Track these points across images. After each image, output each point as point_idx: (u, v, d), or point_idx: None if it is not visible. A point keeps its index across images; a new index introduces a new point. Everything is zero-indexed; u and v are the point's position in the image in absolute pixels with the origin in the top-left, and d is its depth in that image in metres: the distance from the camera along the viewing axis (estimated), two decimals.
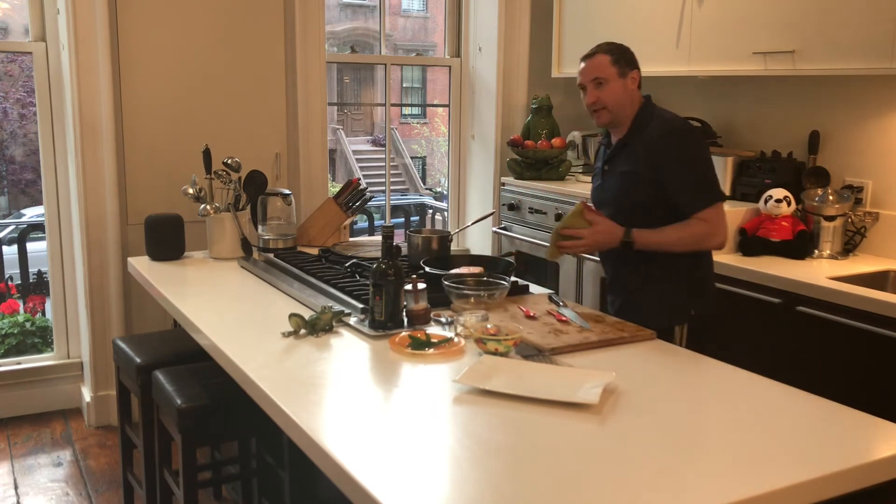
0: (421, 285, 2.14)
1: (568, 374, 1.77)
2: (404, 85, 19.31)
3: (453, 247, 3.34)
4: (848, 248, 3.07)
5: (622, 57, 2.42)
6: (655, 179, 2.33)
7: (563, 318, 2.16)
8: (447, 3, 4.59)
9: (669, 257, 2.35)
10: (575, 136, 4.29)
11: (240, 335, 2.09)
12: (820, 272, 2.79)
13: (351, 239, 3.26)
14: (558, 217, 3.82)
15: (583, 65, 2.46)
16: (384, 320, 2.08)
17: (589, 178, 4.05)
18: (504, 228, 4.22)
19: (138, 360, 2.60)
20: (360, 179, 3.41)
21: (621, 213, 2.41)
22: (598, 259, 3.58)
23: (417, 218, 9.41)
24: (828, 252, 3.00)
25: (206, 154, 3.04)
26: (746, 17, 3.14)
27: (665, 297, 2.40)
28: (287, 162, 3.96)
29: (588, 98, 2.43)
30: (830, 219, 3.00)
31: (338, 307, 2.20)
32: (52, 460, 3.40)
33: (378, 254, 2.13)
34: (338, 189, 3.42)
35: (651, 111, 2.42)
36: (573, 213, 2.38)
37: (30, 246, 5.67)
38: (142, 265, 2.90)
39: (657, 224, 2.32)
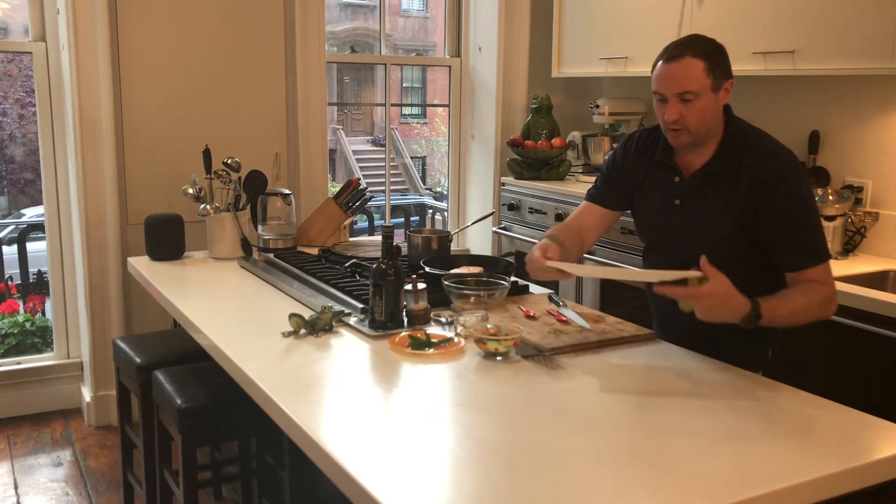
0: (421, 285, 2.13)
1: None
2: (404, 85, 19.32)
3: (453, 247, 3.34)
4: (848, 248, 3.07)
5: (719, 63, 1.90)
6: (752, 225, 1.91)
7: (563, 318, 2.16)
8: (447, 3, 4.59)
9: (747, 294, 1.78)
10: (575, 136, 4.29)
11: (240, 335, 2.09)
12: None
13: (351, 239, 3.26)
14: (559, 217, 3.82)
15: (663, 67, 1.91)
16: (384, 320, 2.08)
17: (589, 179, 4.07)
18: (504, 228, 4.23)
19: (138, 360, 2.60)
20: (360, 179, 3.41)
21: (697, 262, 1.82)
22: (599, 259, 3.59)
23: (417, 218, 9.41)
24: None
25: (206, 154, 3.04)
26: (746, 17, 3.14)
27: (739, 345, 1.96)
28: (287, 162, 3.96)
29: (669, 115, 1.90)
30: (830, 219, 3.00)
31: (338, 307, 2.20)
32: (52, 460, 3.40)
33: (378, 254, 2.13)
34: (338, 189, 3.42)
35: (741, 130, 1.98)
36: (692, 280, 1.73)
37: (30, 246, 5.68)
38: (142, 265, 2.90)
39: (742, 278, 1.75)
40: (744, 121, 2.05)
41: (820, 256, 1.88)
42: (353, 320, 2.15)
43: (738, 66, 3.17)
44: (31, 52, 3.63)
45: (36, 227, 6.46)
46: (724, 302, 1.71)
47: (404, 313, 2.12)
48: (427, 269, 2.43)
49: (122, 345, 2.76)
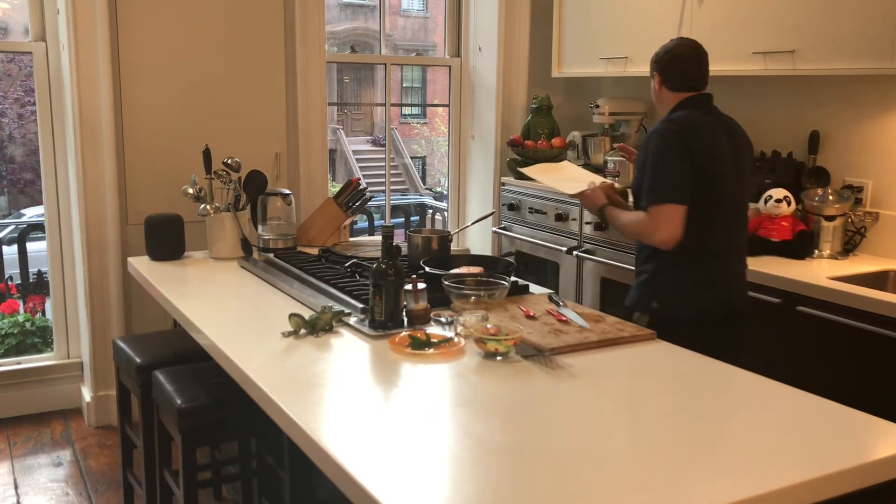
0: (421, 285, 2.14)
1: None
2: (404, 85, 19.32)
3: (453, 247, 3.34)
4: (848, 248, 3.07)
5: (652, 60, 2.55)
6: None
7: (563, 318, 2.16)
8: (447, 3, 4.59)
9: (642, 247, 2.53)
10: (575, 136, 4.28)
11: (240, 335, 2.09)
12: (820, 272, 2.79)
13: (351, 239, 3.26)
14: (559, 217, 3.82)
15: None
16: (384, 320, 2.08)
17: None
18: (504, 228, 4.23)
19: (138, 360, 2.60)
20: (360, 179, 3.41)
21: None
22: (598, 259, 3.59)
23: (417, 218, 9.40)
24: (828, 252, 3.00)
25: (206, 154, 3.04)
26: (746, 17, 3.14)
27: (637, 283, 2.55)
28: (287, 162, 3.96)
29: None
30: (830, 219, 3.00)
31: (338, 307, 2.20)
32: (52, 460, 3.40)
33: (378, 254, 2.13)
34: (338, 189, 3.42)
35: (677, 111, 2.47)
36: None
37: (30, 246, 5.67)
38: (142, 265, 2.90)
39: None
40: (694, 108, 2.46)
41: (650, 199, 2.37)
42: (353, 320, 2.15)
43: (738, 66, 3.19)
44: (31, 52, 3.63)
45: (36, 227, 6.45)
46: (590, 200, 2.63)
47: (404, 313, 2.12)
48: (427, 269, 2.43)
49: (122, 345, 2.76)
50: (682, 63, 2.47)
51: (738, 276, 2.53)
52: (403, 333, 2.02)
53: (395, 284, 2.07)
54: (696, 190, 2.34)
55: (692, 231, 2.34)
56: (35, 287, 5.44)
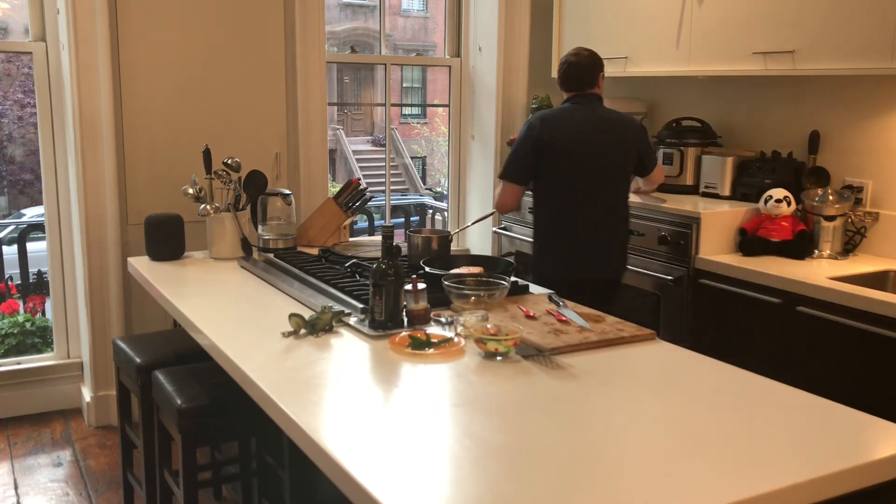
0: (421, 285, 2.13)
1: None
2: (404, 85, 19.31)
3: (453, 247, 3.34)
4: (848, 248, 3.07)
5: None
6: None
7: (563, 318, 2.16)
8: (447, 3, 4.59)
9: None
10: None
11: (240, 335, 2.09)
12: (820, 272, 2.79)
13: (351, 239, 3.26)
14: None
15: None
16: (384, 320, 2.08)
17: None
18: (504, 228, 4.22)
19: (138, 360, 2.60)
20: (360, 179, 3.41)
21: None
22: None
23: (417, 218, 9.40)
24: (828, 252, 3.00)
25: (206, 154, 3.04)
26: (746, 17, 3.14)
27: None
28: (287, 162, 3.96)
29: None
30: (830, 219, 3.00)
31: (338, 307, 2.20)
32: (52, 460, 3.40)
33: (378, 254, 2.13)
34: (338, 189, 3.42)
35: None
36: None
37: (30, 246, 5.67)
38: (142, 265, 2.90)
39: (539, 193, 2.97)
40: (571, 103, 3.01)
41: (500, 176, 3.03)
42: (353, 320, 2.15)
43: (738, 66, 3.19)
44: (31, 52, 3.63)
45: (36, 227, 6.44)
46: None
47: (404, 313, 2.12)
48: (427, 269, 2.43)
49: (122, 345, 2.76)
50: (567, 69, 3.03)
51: (600, 247, 2.93)
52: (403, 333, 2.02)
53: (395, 284, 2.07)
54: (550, 169, 2.90)
55: (548, 204, 2.92)
56: (35, 287, 5.44)
